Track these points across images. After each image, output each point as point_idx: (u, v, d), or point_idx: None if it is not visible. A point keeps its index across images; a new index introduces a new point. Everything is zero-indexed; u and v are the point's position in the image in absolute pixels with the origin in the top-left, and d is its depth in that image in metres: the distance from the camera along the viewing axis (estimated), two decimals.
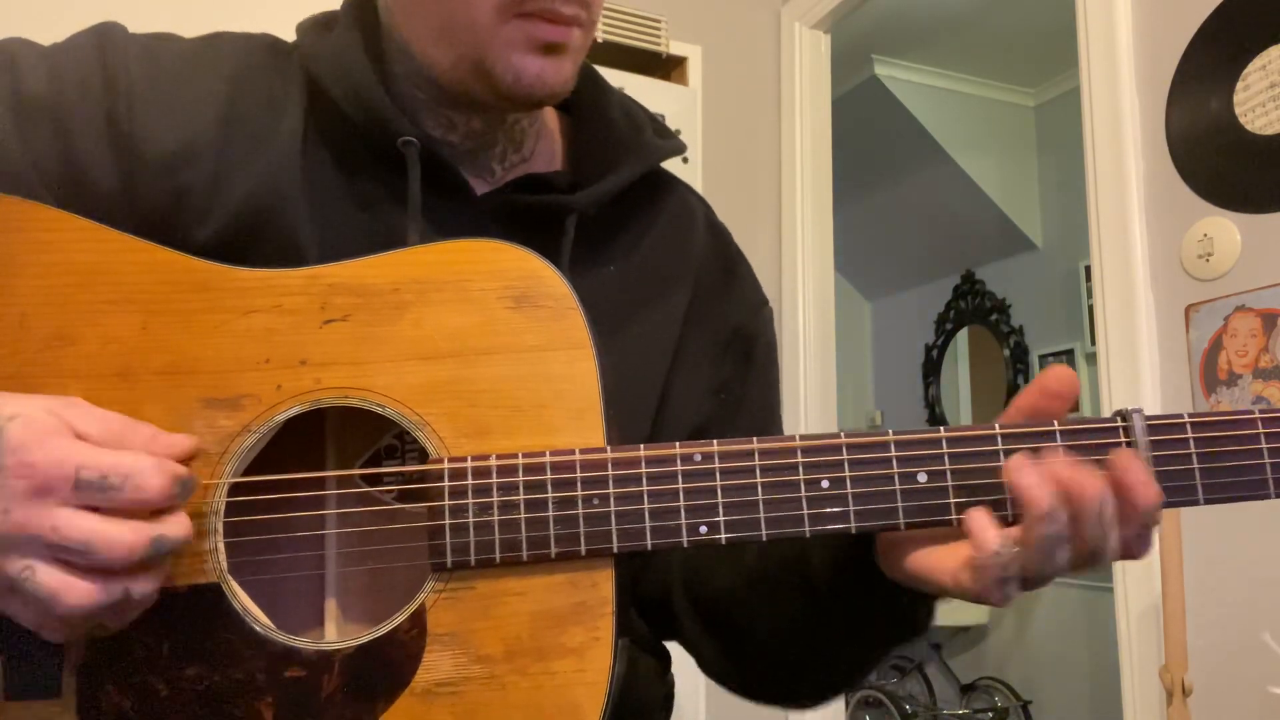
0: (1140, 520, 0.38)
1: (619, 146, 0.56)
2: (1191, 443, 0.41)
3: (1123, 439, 0.41)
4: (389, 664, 0.40)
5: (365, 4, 0.54)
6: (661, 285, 0.57)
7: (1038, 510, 0.37)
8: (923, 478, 0.41)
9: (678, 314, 0.57)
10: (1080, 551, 0.38)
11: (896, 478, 0.41)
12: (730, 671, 0.55)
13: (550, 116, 0.60)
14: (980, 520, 0.38)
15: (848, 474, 0.41)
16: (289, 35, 0.56)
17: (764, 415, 0.61)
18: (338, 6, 0.56)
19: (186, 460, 0.40)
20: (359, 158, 0.51)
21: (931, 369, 3.56)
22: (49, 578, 0.35)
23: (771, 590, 0.50)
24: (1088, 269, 2.81)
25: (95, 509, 0.36)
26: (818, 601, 0.48)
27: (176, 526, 0.38)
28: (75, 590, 0.35)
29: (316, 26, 0.55)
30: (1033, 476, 0.38)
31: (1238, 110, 1.20)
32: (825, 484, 0.41)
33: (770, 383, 0.62)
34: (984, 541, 0.37)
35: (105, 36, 0.50)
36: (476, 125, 0.53)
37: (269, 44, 0.54)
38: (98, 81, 0.48)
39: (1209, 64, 1.24)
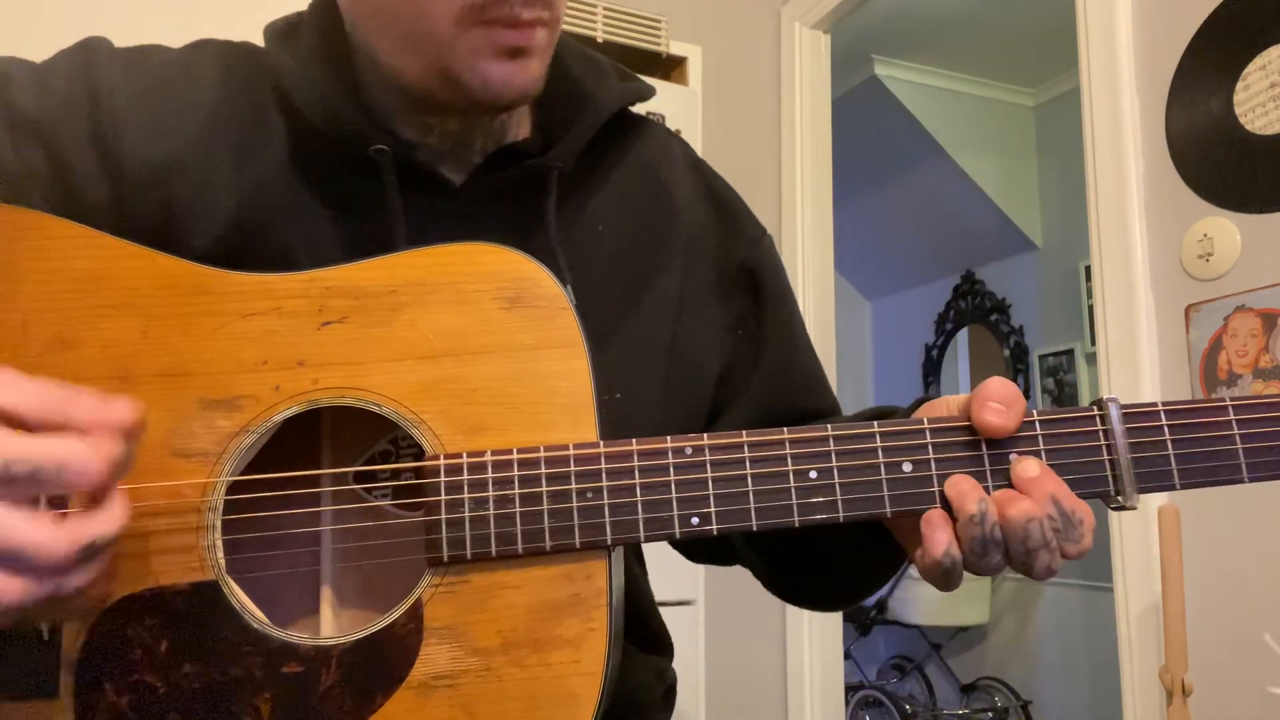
0: (1060, 525, 0.41)
1: (581, 96, 0.56)
2: (1166, 430, 0.42)
3: (1099, 427, 0.42)
4: (386, 658, 0.41)
5: (329, 10, 0.54)
6: (652, 234, 0.57)
7: (965, 512, 0.41)
8: (908, 467, 0.42)
9: (674, 259, 0.57)
10: (1011, 559, 0.41)
11: (882, 467, 0.42)
12: (780, 586, 0.61)
13: None
14: (934, 522, 0.42)
15: (835, 464, 0.42)
16: None
17: (788, 346, 0.61)
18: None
19: (133, 429, 0.37)
20: (339, 166, 0.51)
21: (931, 369, 3.56)
22: None
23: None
24: (1088, 269, 2.81)
25: (31, 500, 0.34)
26: (836, 537, 0.52)
27: (108, 522, 0.36)
28: (5, 590, 0.33)
29: (281, 35, 0.54)
30: (966, 484, 0.41)
31: (1238, 110, 1.20)
32: (813, 474, 0.42)
33: (786, 311, 0.61)
34: (933, 545, 0.41)
35: (90, 53, 0.51)
36: (453, 127, 0.53)
37: (249, 53, 0.54)
38: (83, 97, 0.49)
39: (1209, 64, 1.24)
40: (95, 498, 0.36)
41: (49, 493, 0.35)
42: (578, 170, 0.55)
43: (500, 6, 0.46)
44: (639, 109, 0.60)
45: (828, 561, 0.55)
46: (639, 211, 0.57)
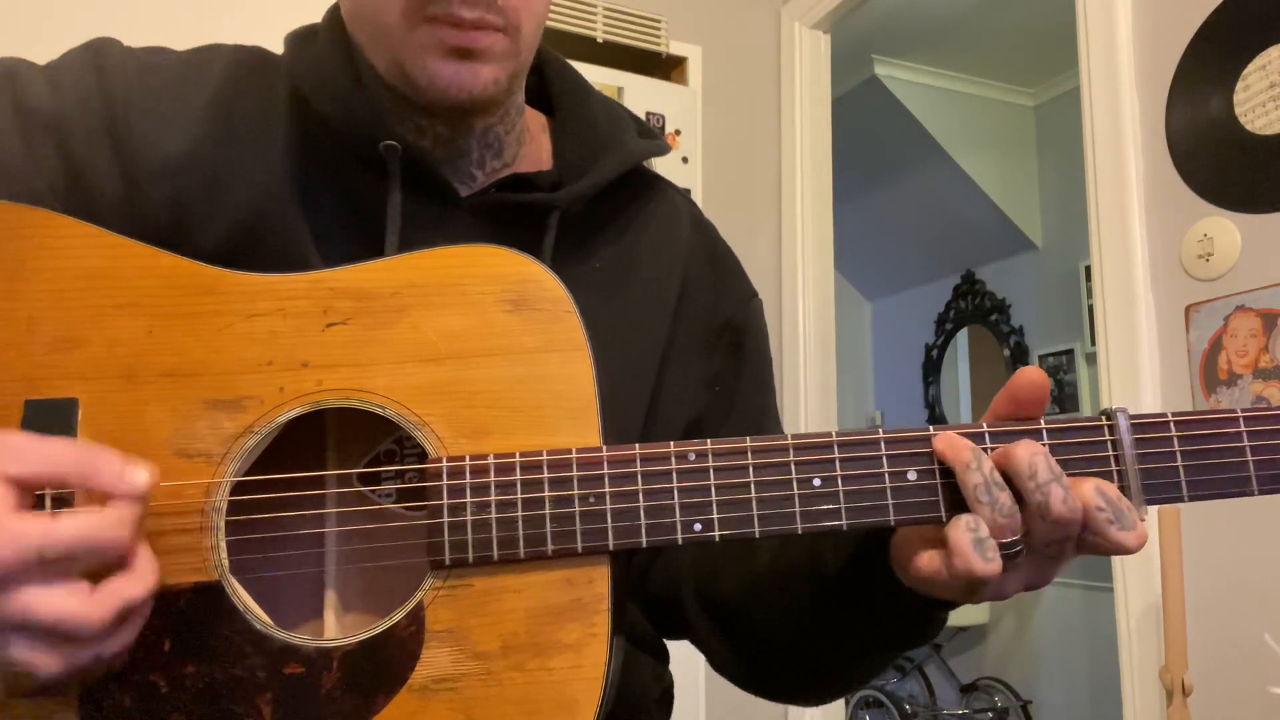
0: (1112, 514, 0.39)
1: (601, 145, 0.57)
2: (1175, 441, 0.42)
3: (1108, 437, 0.42)
4: (388, 660, 0.41)
5: (341, 15, 0.55)
6: (649, 281, 0.58)
7: (961, 460, 0.40)
8: (913, 475, 0.42)
9: (667, 309, 0.58)
10: (1027, 506, 0.39)
11: (887, 476, 0.42)
12: (739, 669, 0.56)
13: (535, 120, 0.61)
14: (952, 521, 0.40)
15: (839, 472, 0.42)
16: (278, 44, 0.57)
17: (758, 406, 0.61)
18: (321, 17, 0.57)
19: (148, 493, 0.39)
20: (347, 164, 0.52)
21: (931, 369, 3.56)
22: (24, 654, 0.35)
23: (783, 589, 0.51)
24: (1088, 269, 2.81)
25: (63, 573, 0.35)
26: (828, 600, 0.49)
27: (139, 584, 0.37)
28: (49, 663, 0.35)
29: (300, 39, 0.55)
30: (950, 436, 0.41)
31: (1238, 110, 1.20)
32: (817, 482, 0.42)
33: (762, 374, 0.62)
34: (956, 529, 0.39)
35: (101, 52, 0.51)
36: (442, 131, 0.54)
37: (259, 56, 0.55)
38: (96, 93, 0.49)
39: (1209, 64, 1.24)
40: (121, 561, 0.37)
41: (84, 571, 0.36)
42: (584, 211, 0.55)
43: (438, 4, 0.46)
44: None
45: (818, 628, 0.50)
46: (637, 259, 0.58)
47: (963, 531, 0.39)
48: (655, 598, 0.59)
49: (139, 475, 0.38)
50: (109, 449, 0.38)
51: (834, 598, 0.48)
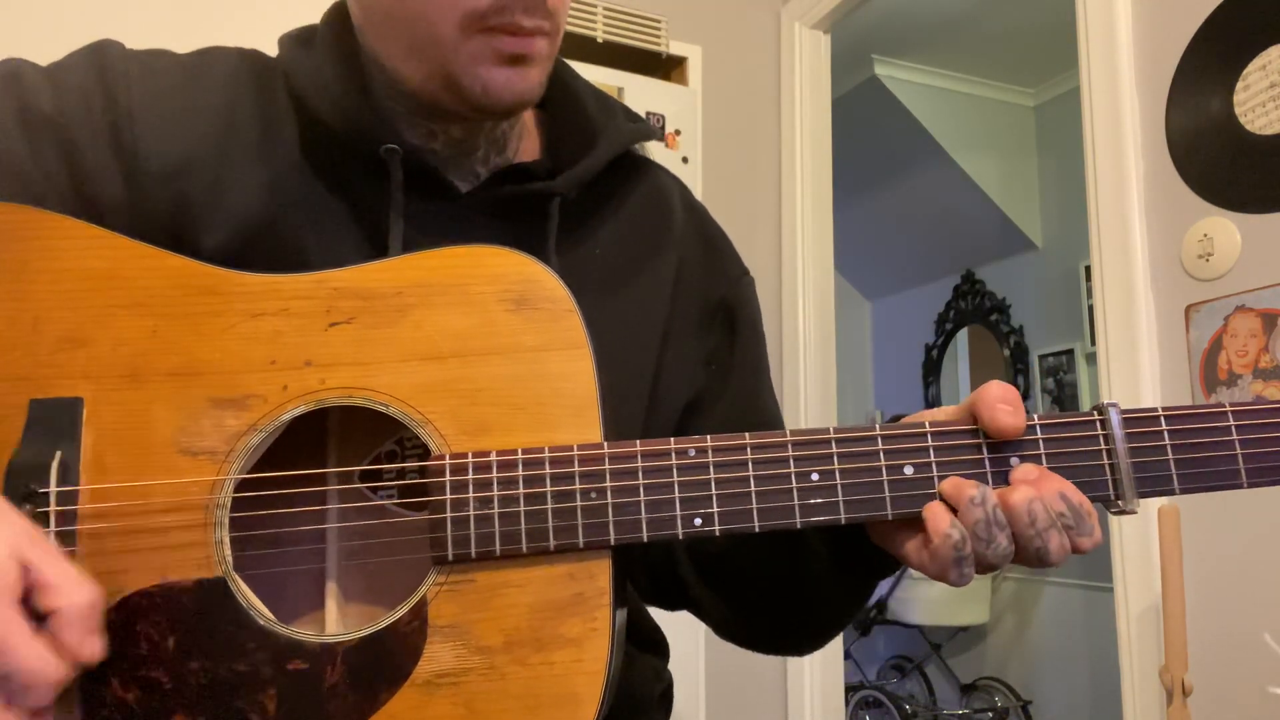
0: (1072, 520, 0.41)
1: (593, 131, 0.58)
2: (1166, 435, 0.43)
3: (1099, 432, 0.42)
4: (391, 655, 0.41)
5: (343, 19, 0.55)
6: (645, 264, 0.59)
7: (964, 497, 0.41)
8: (909, 470, 0.42)
9: (664, 291, 0.59)
10: (1023, 549, 0.41)
11: (884, 470, 0.42)
12: (735, 625, 0.59)
13: (527, 113, 0.61)
14: (935, 510, 0.42)
15: (837, 466, 0.42)
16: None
17: (752, 381, 0.63)
18: (319, 18, 0.57)
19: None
20: (348, 167, 0.52)
21: (931, 369, 3.57)
22: None
23: (768, 546, 0.54)
24: (1088, 269, 2.81)
25: None
26: (808, 553, 0.52)
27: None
28: None
29: (297, 41, 0.56)
30: (959, 479, 0.42)
31: (1238, 110, 1.20)
32: (815, 476, 0.42)
33: (755, 349, 0.63)
34: (937, 523, 0.41)
35: (103, 54, 0.52)
36: (456, 133, 0.54)
37: (257, 59, 0.56)
38: (99, 96, 0.50)
39: (1209, 64, 1.24)
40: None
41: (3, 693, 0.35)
42: (580, 197, 0.56)
43: (502, 15, 0.47)
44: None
45: (794, 592, 0.54)
46: (634, 243, 0.59)
47: (945, 548, 0.40)
48: (657, 566, 0.60)
49: (92, 644, 0.38)
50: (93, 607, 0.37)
51: (810, 542, 0.51)
